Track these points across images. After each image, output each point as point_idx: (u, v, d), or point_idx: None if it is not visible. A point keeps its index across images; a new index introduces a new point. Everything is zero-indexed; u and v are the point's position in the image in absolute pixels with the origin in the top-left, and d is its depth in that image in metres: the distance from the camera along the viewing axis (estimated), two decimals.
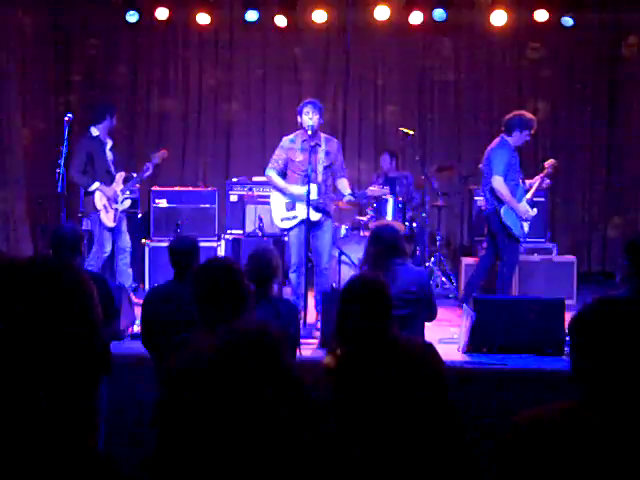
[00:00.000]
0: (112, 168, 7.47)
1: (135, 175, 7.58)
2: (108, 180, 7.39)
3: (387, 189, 7.09)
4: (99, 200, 7.30)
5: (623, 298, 2.17)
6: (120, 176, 7.50)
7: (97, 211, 7.29)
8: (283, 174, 6.73)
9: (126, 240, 7.56)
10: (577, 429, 1.93)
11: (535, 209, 7.21)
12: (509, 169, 6.96)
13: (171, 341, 3.20)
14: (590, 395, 1.96)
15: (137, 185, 8.22)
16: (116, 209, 7.39)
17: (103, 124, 7.39)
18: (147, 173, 7.57)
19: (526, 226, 7.08)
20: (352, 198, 6.86)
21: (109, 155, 7.46)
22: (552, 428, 1.96)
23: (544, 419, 1.99)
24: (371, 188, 7.01)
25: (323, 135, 6.74)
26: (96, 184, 7.28)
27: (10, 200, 8.82)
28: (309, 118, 6.48)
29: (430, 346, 3.19)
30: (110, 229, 7.35)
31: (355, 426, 2.94)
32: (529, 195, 7.17)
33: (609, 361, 1.95)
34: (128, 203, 7.57)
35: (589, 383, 1.98)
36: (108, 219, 7.34)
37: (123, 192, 7.47)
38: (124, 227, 7.57)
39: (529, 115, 7.11)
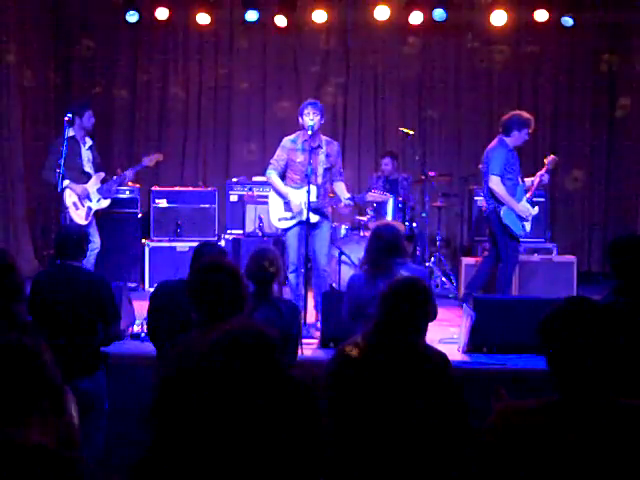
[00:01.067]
0: (89, 167, 7.48)
1: (115, 177, 7.54)
2: (81, 179, 7.39)
3: (387, 195, 7.07)
4: (68, 197, 7.28)
5: (591, 299, 2.26)
6: (98, 176, 7.50)
7: (66, 208, 7.22)
8: (282, 175, 6.74)
9: (95, 241, 7.38)
10: (554, 426, 2.02)
11: (536, 207, 7.21)
12: (507, 169, 6.96)
13: (175, 338, 3.20)
14: (564, 392, 2.05)
15: (131, 183, 8.20)
16: (89, 207, 7.37)
17: (76, 124, 7.37)
18: (126, 180, 7.64)
19: (527, 225, 7.08)
20: (351, 202, 6.80)
21: (87, 154, 7.48)
22: (530, 425, 2.05)
23: (522, 416, 2.08)
24: (371, 193, 6.95)
25: (324, 137, 6.74)
26: (65, 182, 7.13)
27: (10, 200, 8.82)
28: (310, 119, 6.48)
29: (444, 356, 3.22)
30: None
31: (358, 426, 2.93)
32: (529, 194, 7.17)
33: (577, 359, 2.05)
34: (105, 203, 7.51)
35: (562, 381, 2.08)
36: (78, 216, 7.32)
37: (100, 192, 7.45)
38: (94, 227, 7.47)
39: (526, 114, 7.11)
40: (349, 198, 6.70)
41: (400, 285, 3.22)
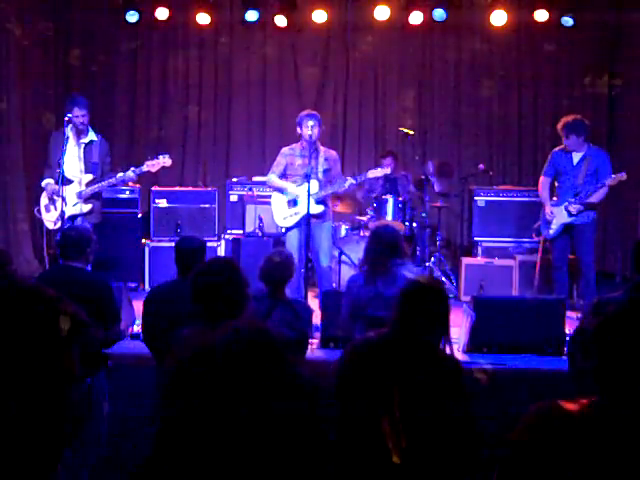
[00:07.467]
0: (79, 167, 6.87)
1: (106, 182, 6.86)
2: (58, 177, 6.64)
3: (388, 169, 7.27)
4: (42, 197, 6.92)
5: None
6: (83, 179, 6.85)
7: (39, 209, 6.88)
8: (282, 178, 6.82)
9: None
10: (593, 427, 1.91)
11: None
12: None
13: (172, 340, 3.21)
14: (608, 395, 1.94)
15: (131, 183, 8.05)
16: (63, 211, 6.59)
17: (71, 121, 6.85)
18: (112, 181, 6.86)
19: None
20: (353, 181, 6.90)
21: (79, 153, 6.87)
22: (568, 425, 1.93)
23: (564, 421, 1.96)
24: (372, 171, 7.13)
25: (322, 148, 6.87)
26: (45, 180, 6.88)
27: (10, 200, 8.82)
28: (309, 131, 6.57)
29: (457, 360, 3.22)
30: (49, 231, 6.81)
31: (366, 423, 2.93)
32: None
33: (627, 362, 1.93)
34: (86, 208, 6.81)
35: (606, 383, 1.95)
36: (48, 219, 6.83)
37: (80, 195, 6.79)
38: None
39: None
40: (352, 177, 6.92)
41: (419, 285, 3.19)
